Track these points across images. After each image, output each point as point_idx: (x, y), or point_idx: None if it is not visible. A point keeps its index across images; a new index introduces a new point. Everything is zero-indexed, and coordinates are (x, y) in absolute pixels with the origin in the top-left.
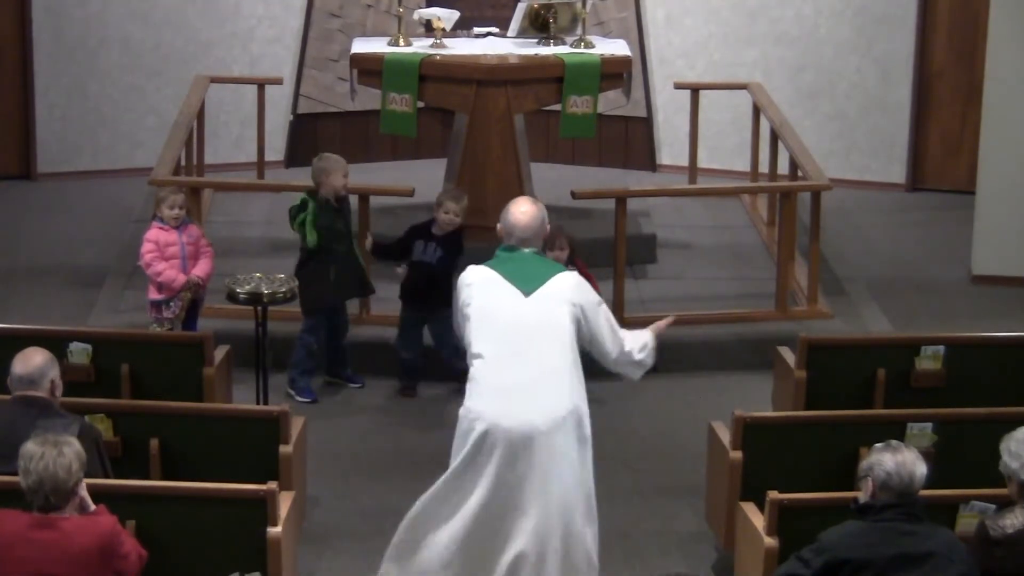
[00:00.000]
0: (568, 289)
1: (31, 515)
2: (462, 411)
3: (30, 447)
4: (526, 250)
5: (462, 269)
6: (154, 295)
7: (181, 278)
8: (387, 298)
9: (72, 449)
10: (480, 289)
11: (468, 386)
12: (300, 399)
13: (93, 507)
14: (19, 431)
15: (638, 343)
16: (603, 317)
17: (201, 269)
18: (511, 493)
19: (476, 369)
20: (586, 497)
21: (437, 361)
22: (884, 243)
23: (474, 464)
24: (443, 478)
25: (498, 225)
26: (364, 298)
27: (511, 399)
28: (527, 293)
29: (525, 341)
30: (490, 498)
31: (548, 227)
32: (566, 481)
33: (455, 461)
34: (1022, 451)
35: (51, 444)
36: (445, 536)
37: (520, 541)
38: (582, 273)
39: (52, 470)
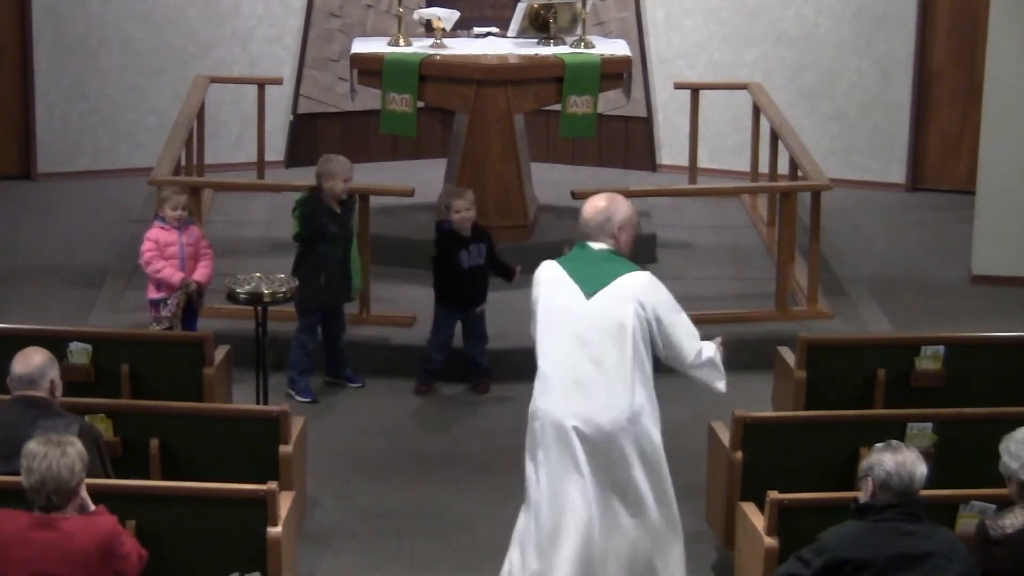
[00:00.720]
0: (636, 289)
1: (31, 515)
2: (531, 409)
3: (33, 446)
4: (595, 246)
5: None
6: (153, 294)
7: (178, 277)
8: (387, 298)
9: (75, 449)
10: (547, 287)
11: (536, 383)
12: (300, 399)
13: (93, 507)
14: (19, 431)
15: (710, 349)
16: (678, 319)
17: (201, 273)
18: (601, 486)
19: (540, 367)
20: (663, 508)
21: (448, 361)
22: (884, 243)
23: (560, 463)
24: (529, 481)
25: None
26: (357, 300)
27: (572, 399)
28: (589, 293)
29: (584, 342)
30: (588, 488)
31: (628, 222)
32: (639, 485)
33: (533, 461)
34: (1022, 451)
35: (54, 444)
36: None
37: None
38: None
39: (55, 470)
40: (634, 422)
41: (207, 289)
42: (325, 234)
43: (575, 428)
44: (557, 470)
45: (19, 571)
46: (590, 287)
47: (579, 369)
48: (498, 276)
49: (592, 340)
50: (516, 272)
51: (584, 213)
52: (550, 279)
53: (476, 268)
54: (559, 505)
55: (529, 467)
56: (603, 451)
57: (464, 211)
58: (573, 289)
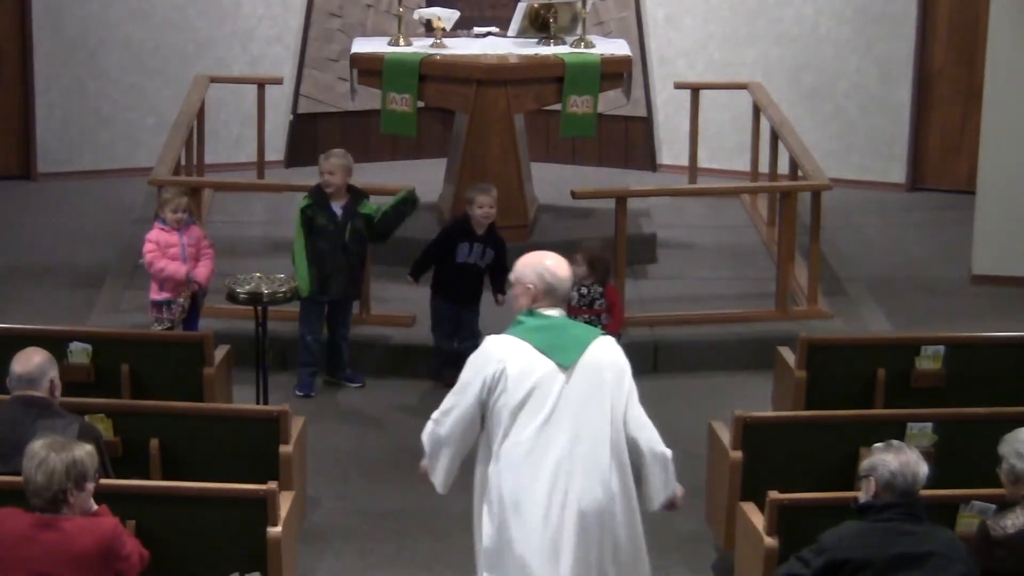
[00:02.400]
0: (611, 356)
1: (34, 515)
2: (505, 494)
3: (35, 448)
4: (555, 313)
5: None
6: (155, 295)
7: (183, 270)
8: (387, 298)
9: (73, 454)
10: (518, 368)
11: (502, 467)
12: (296, 392)
13: (95, 507)
14: (19, 431)
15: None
16: (633, 387)
17: (201, 273)
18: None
19: (516, 451)
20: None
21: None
22: (884, 243)
23: (540, 548)
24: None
25: (528, 285)
26: (350, 299)
27: (553, 481)
28: (565, 365)
29: (571, 418)
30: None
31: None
32: (629, 558)
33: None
34: None
35: (57, 446)
36: None
37: None
38: (611, 299)
39: (57, 473)
40: (611, 500)
41: (208, 288)
42: (312, 227)
43: (564, 510)
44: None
45: (21, 571)
46: (565, 358)
47: (567, 447)
48: (491, 285)
49: (578, 415)
50: (499, 300)
51: (558, 274)
52: (516, 355)
53: (470, 267)
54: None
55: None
56: (593, 530)
57: (486, 207)
58: (546, 363)
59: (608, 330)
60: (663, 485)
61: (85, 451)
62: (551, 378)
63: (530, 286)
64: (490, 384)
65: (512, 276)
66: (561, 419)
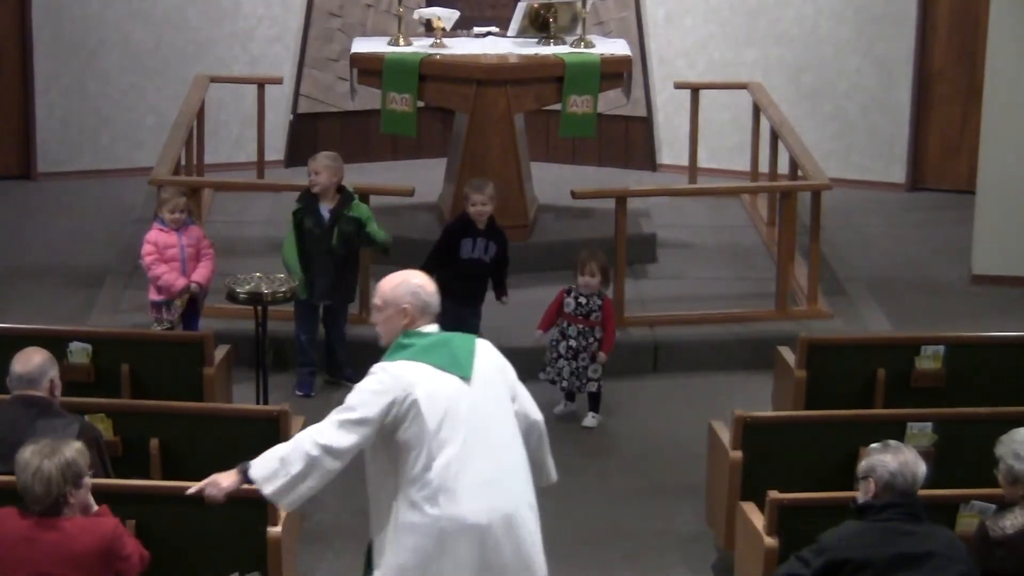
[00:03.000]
0: (494, 356)
1: (34, 515)
2: (419, 522)
3: (26, 457)
4: (432, 329)
5: None
6: (154, 296)
7: (180, 283)
8: None
9: (65, 457)
10: (427, 391)
11: (423, 495)
12: (296, 392)
13: (96, 508)
14: (19, 431)
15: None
16: (519, 381)
17: (200, 274)
18: None
19: (447, 473)
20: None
21: None
22: (884, 243)
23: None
24: None
25: (404, 306)
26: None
27: (487, 494)
28: (467, 377)
29: (484, 429)
30: None
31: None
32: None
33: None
34: None
35: (46, 451)
36: None
37: None
38: (607, 313)
39: (54, 479)
40: (533, 502)
41: (208, 289)
42: (301, 228)
43: (495, 526)
44: None
45: (21, 571)
46: (464, 370)
47: (489, 461)
48: (493, 284)
49: (491, 424)
50: (504, 300)
51: (429, 290)
52: (421, 379)
53: (476, 263)
54: None
55: None
56: (515, 539)
57: (480, 204)
58: (449, 380)
59: (604, 351)
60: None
61: (75, 450)
62: (460, 394)
63: (406, 306)
64: (397, 414)
65: (378, 300)
66: (480, 432)
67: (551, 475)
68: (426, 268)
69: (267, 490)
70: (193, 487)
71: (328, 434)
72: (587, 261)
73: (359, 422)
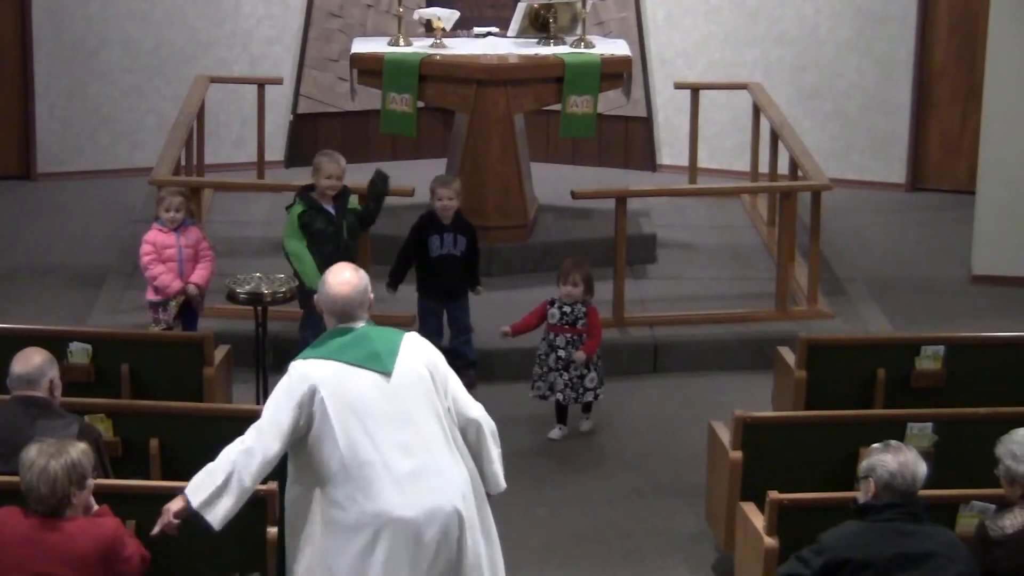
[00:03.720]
0: (423, 350)
1: (35, 516)
2: (353, 518)
3: (31, 456)
4: (358, 325)
5: None
6: (151, 296)
7: (176, 285)
8: (387, 298)
9: (71, 457)
10: (333, 388)
11: (338, 491)
12: None
13: (96, 508)
14: (19, 431)
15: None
16: (450, 371)
17: (199, 275)
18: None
19: (360, 472)
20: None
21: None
22: (884, 243)
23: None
24: None
25: (315, 299)
26: None
27: (411, 491)
28: (388, 372)
29: (405, 424)
30: None
31: (372, 296)
32: (487, 551)
33: None
34: None
35: (52, 451)
36: None
37: None
38: (593, 320)
39: (60, 480)
40: (470, 482)
41: (207, 290)
42: (311, 230)
43: (421, 520)
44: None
45: (21, 571)
46: (385, 365)
47: (409, 456)
48: (467, 276)
49: (412, 419)
50: (478, 291)
51: (340, 291)
52: (332, 377)
53: (447, 258)
54: None
55: None
56: (455, 533)
57: (447, 199)
58: (368, 376)
59: (586, 351)
60: (500, 460)
61: (80, 450)
62: (376, 390)
63: (316, 300)
64: (308, 414)
65: (317, 298)
66: (400, 427)
67: (497, 482)
68: (395, 269)
69: (195, 502)
70: (155, 529)
71: (247, 441)
72: (571, 271)
73: (272, 426)
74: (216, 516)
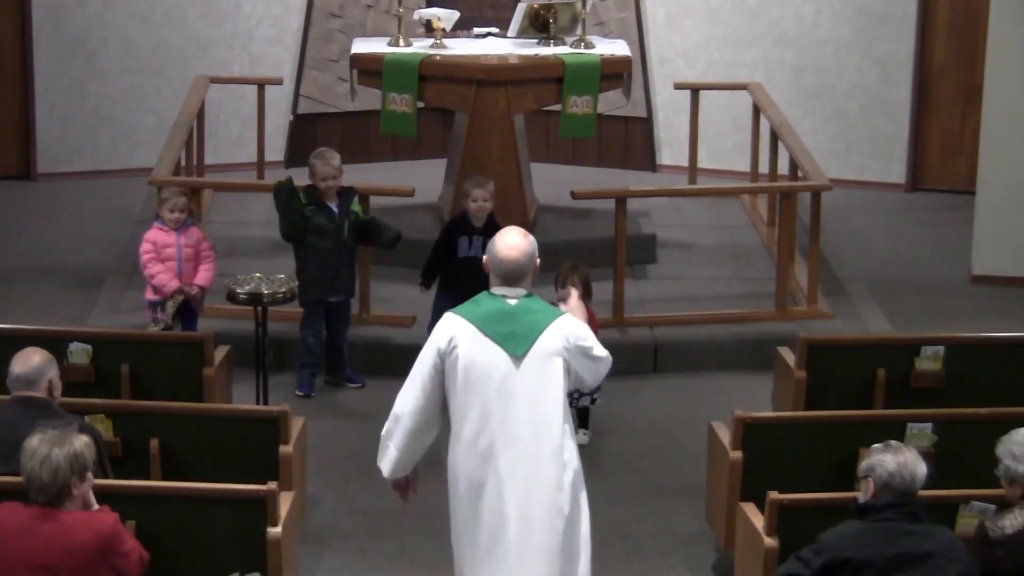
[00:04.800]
0: (562, 338)
1: (34, 508)
2: (462, 473)
3: (34, 444)
4: (512, 299)
5: None
6: (150, 295)
7: (173, 284)
8: (387, 298)
9: (74, 447)
10: (465, 349)
11: (459, 458)
12: (297, 392)
13: (96, 506)
14: (18, 431)
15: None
16: (589, 357)
17: (202, 276)
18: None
19: (467, 433)
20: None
21: None
22: (884, 243)
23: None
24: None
25: (484, 258)
26: (349, 299)
27: (505, 468)
28: (518, 355)
29: (517, 409)
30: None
31: (538, 261)
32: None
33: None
34: None
35: (56, 440)
36: None
37: None
38: (590, 322)
39: (62, 468)
40: (571, 481)
41: (208, 291)
42: (308, 226)
43: (519, 505)
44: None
45: (20, 562)
46: (518, 347)
47: (508, 440)
48: (440, 268)
49: (524, 406)
50: None
51: (509, 257)
52: (468, 339)
53: (473, 261)
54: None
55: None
56: (537, 531)
57: (480, 200)
58: (497, 353)
59: None
60: (595, 377)
61: (83, 443)
62: (500, 368)
63: (485, 259)
64: (445, 361)
65: (486, 258)
66: (507, 412)
67: (582, 382)
68: (429, 266)
69: (384, 472)
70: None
71: (402, 391)
72: (568, 274)
73: (411, 380)
74: (386, 466)
